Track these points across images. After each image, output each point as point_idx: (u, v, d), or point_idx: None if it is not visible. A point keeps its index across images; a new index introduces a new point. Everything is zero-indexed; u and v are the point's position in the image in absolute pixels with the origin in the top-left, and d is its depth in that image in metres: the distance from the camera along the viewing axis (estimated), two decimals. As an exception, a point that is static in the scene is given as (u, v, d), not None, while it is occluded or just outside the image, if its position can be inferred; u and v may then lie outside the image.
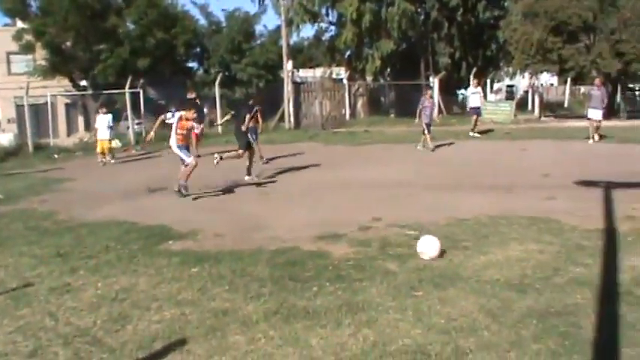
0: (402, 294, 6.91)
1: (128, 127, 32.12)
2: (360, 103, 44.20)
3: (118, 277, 8.07)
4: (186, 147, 14.32)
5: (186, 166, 14.00)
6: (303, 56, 57.53)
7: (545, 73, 45.49)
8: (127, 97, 32.06)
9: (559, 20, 35.26)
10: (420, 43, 45.74)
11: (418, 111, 22.64)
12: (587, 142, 23.24)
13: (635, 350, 5.35)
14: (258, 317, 6.41)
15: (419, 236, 9.27)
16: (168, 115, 14.37)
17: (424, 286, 7.13)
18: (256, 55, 48.73)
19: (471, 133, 27.43)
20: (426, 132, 22.27)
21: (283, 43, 39.45)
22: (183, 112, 14.08)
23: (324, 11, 46.53)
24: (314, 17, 45.50)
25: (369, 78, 45.74)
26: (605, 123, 24.60)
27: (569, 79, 49.60)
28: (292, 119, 36.99)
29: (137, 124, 33.29)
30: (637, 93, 46.23)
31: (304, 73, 48.23)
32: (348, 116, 40.53)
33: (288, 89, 37.02)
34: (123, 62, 40.71)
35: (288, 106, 36.83)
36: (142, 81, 33.94)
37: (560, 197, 12.45)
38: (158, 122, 14.53)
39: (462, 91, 48.03)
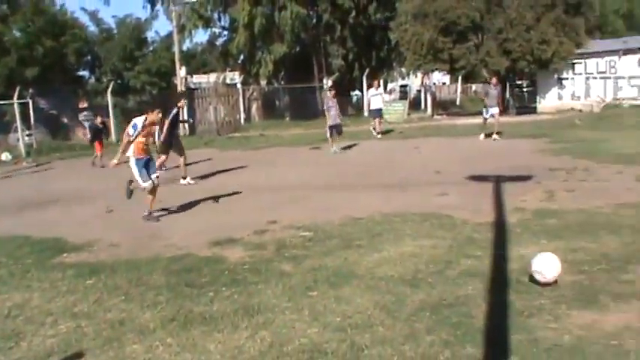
0: (297, 294, 6.96)
1: (18, 139, 31.30)
2: (254, 107, 44.18)
3: (11, 293, 7.84)
4: (145, 161, 11.91)
5: (142, 189, 12.11)
6: (196, 62, 57.06)
7: (436, 72, 46.46)
8: (16, 107, 31.19)
9: (448, 20, 36.13)
10: (313, 46, 45.97)
11: (326, 113, 22.76)
12: (478, 137, 23.89)
13: (523, 335, 5.55)
14: (156, 325, 6.36)
15: (313, 237, 9.40)
16: (131, 131, 11.60)
17: (319, 285, 7.20)
18: (149, 62, 47.95)
19: (376, 135, 27.73)
20: (328, 134, 22.43)
21: (176, 49, 39.22)
22: (145, 117, 11.78)
23: (216, 16, 46.45)
24: (206, 22, 45.32)
25: (262, 82, 45.79)
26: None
27: (460, 78, 50.77)
28: (187, 126, 36.69)
29: (27, 135, 32.45)
30: (524, 89, 47.71)
31: (198, 79, 47.80)
32: (242, 121, 40.39)
33: (182, 96, 36.67)
34: (10, 72, 39.28)
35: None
36: (31, 91, 33.13)
37: (452, 193, 12.77)
38: (125, 143, 11.76)
39: (356, 92, 48.57)
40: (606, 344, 5.35)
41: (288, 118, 43.18)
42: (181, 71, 37.55)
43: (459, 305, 6.39)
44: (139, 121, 11.67)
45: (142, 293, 7.41)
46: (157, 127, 12.10)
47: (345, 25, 46.56)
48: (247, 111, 42.36)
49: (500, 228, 9.58)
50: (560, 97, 39.64)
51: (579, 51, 37.37)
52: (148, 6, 48.09)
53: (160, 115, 12.04)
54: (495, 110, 24.03)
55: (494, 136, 23.61)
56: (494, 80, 25.51)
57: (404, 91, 54.79)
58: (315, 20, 46.61)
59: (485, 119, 24.25)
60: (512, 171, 14.98)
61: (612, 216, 10.13)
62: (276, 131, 34.66)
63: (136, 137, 11.60)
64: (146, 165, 11.91)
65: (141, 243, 10.19)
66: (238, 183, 16.12)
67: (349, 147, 23.66)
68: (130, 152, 11.72)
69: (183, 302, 6.98)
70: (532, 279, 6.85)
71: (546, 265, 6.80)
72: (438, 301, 6.51)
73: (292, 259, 8.48)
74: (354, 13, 45.77)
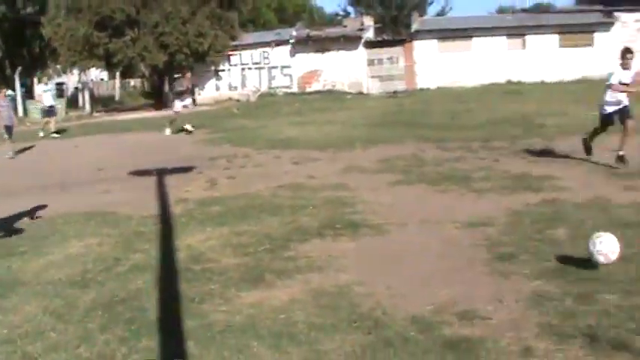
0: (-45, 311, 6.52)
1: None
2: None
3: None
4: None
5: None
6: None
7: (94, 69, 45.64)
8: None
9: (103, 15, 35.62)
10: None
11: None
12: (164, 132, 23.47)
13: (196, 321, 5.70)
14: None
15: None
16: None
17: (-18, 298, 6.81)
18: None
19: (54, 135, 26.19)
20: (5, 136, 20.84)
21: None
22: None
23: None
24: None
25: None
26: (155, 113, 25.39)
27: (118, 73, 50.32)
28: None
29: None
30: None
31: None
32: None
33: None
34: None
35: None
36: None
37: (115, 189, 12.70)
38: None
39: (9, 92, 46.28)
40: (275, 318, 5.66)
41: None
42: None
43: (131, 300, 6.37)
44: None
45: None
46: None
47: (-8, 20, 44.03)
48: None
49: (165, 220, 9.72)
50: (217, 88, 41.13)
51: (235, 43, 38.94)
52: None
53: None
54: (187, 101, 24.29)
55: (167, 132, 23.33)
56: (188, 74, 25.66)
57: (60, 89, 53.16)
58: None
59: (177, 112, 23.88)
60: (175, 163, 15.22)
61: (272, 198, 10.76)
62: None
63: None
64: None
65: None
66: None
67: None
68: None
69: None
70: (591, 260, 6.44)
71: (610, 247, 6.40)
72: (109, 299, 6.44)
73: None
74: (2, 8, 43.44)
